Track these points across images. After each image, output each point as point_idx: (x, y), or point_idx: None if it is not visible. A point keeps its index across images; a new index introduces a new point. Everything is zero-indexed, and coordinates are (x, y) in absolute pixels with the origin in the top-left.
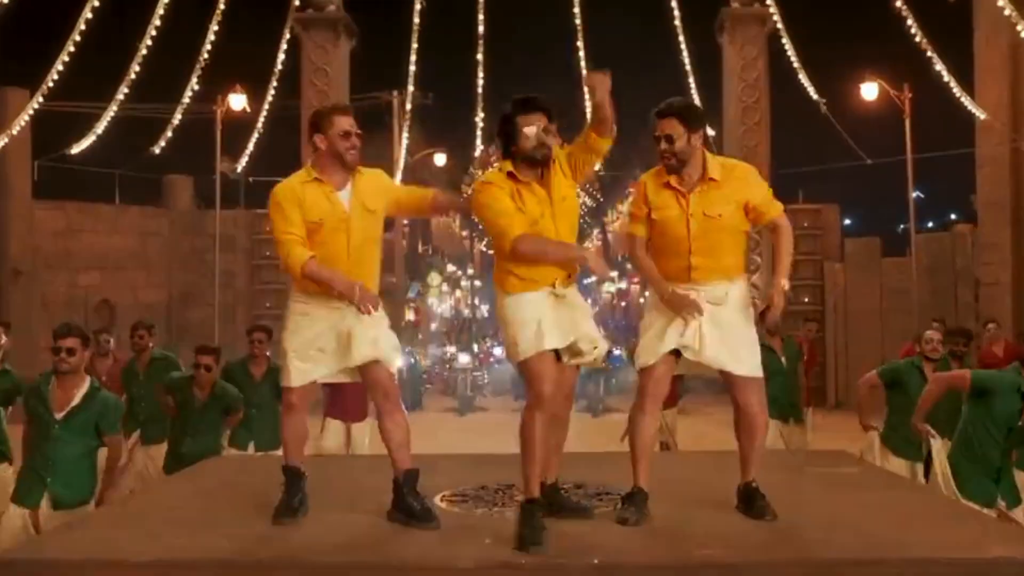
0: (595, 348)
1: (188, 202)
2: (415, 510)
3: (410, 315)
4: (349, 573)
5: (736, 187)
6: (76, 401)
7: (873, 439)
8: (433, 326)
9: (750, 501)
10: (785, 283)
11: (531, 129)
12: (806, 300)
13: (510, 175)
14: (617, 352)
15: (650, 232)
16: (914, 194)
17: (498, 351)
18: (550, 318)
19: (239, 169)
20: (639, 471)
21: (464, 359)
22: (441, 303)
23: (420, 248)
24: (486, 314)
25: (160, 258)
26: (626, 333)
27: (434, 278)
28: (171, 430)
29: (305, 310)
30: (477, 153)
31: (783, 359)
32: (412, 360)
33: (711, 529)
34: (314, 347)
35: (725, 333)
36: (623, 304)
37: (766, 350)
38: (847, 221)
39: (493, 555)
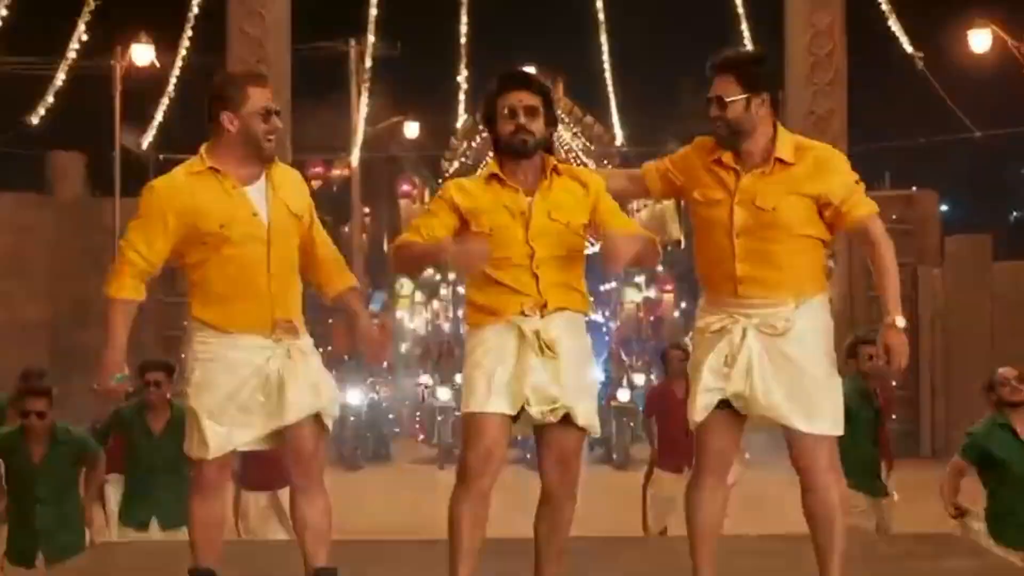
0: (551, 409)
1: (79, 187)
2: None
3: None
4: None
5: (810, 174)
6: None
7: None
8: (403, 347)
9: None
10: (900, 319)
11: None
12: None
13: (492, 178)
14: (641, 380)
15: (692, 218)
16: None
17: None
18: (509, 369)
19: (145, 144)
20: (701, 566)
21: (445, 394)
22: (414, 317)
23: (386, 245)
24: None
25: (42, 261)
26: (656, 355)
27: (404, 285)
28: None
29: (213, 353)
30: (460, 122)
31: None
32: (375, 396)
33: None
34: (234, 404)
35: (788, 373)
36: (652, 318)
37: (860, 397)
38: (945, 210)
39: None
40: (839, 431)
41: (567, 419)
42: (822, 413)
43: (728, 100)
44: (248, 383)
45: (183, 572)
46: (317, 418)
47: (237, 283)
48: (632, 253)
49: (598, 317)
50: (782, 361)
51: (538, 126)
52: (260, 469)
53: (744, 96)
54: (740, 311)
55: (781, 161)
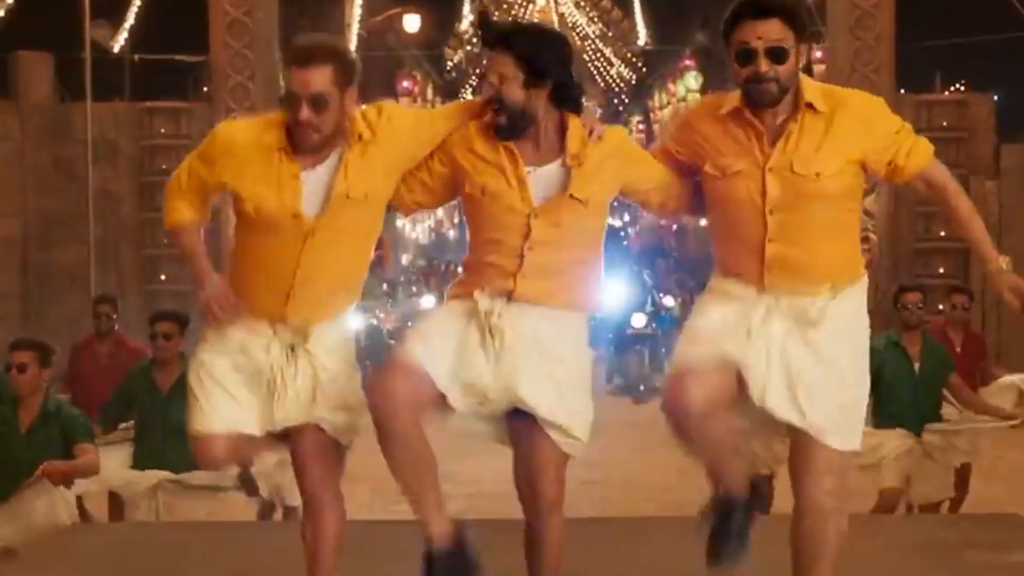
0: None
1: (47, 92)
2: None
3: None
4: None
5: (851, 128)
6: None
7: None
8: (405, 259)
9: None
10: (1003, 261)
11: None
12: (942, 234)
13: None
14: (669, 302)
15: (707, 196)
16: None
17: None
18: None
19: (118, 45)
20: (728, 475)
21: (429, 301)
22: (416, 226)
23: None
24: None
25: (10, 172)
26: (683, 273)
27: None
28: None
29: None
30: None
31: (916, 364)
32: (374, 321)
33: None
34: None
35: (814, 368)
36: (675, 227)
37: (894, 347)
38: (1000, 121)
39: None
40: (855, 446)
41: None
42: (844, 424)
43: (785, 49)
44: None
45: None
46: (319, 429)
47: (259, 272)
48: None
49: (616, 222)
50: (809, 351)
51: (511, 92)
52: None
53: (795, 45)
54: (763, 304)
55: (811, 107)
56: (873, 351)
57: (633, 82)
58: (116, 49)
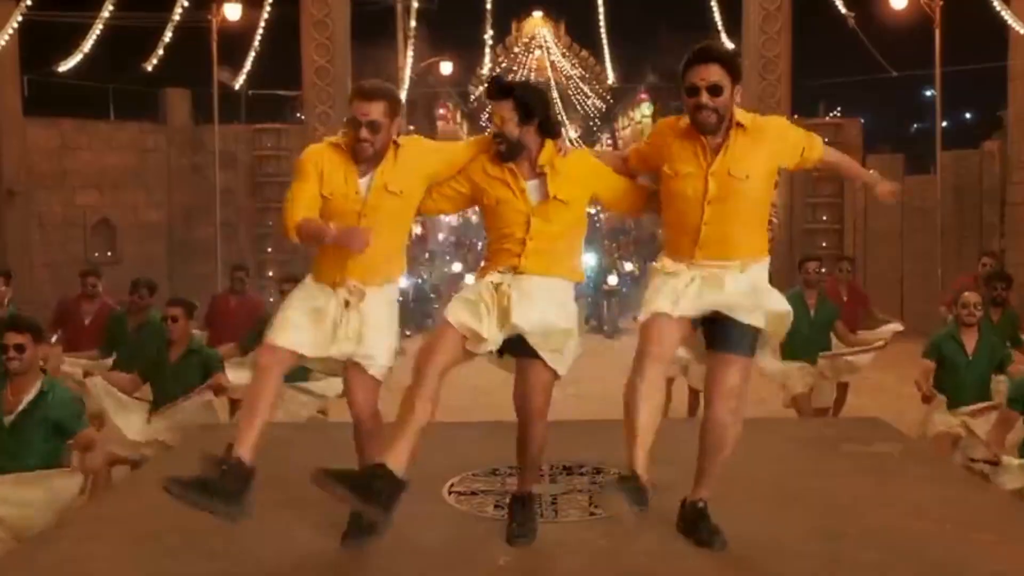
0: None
1: (186, 117)
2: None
3: (416, 228)
4: None
5: (770, 144)
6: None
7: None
8: (440, 236)
9: (694, 525)
10: (877, 175)
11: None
12: (824, 219)
13: (494, 156)
14: (629, 267)
15: (662, 191)
16: (929, 92)
17: None
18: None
19: (238, 83)
20: (635, 453)
21: (471, 279)
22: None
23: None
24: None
25: (159, 176)
26: (640, 245)
27: None
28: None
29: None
30: (485, 63)
31: (812, 312)
32: (420, 280)
33: (739, 539)
34: (308, 316)
35: (732, 293)
36: None
37: (798, 299)
38: (866, 138)
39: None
40: (749, 354)
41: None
42: (748, 337)
43: (722, 87)
44: (317, 309)
45: None
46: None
47: (327, 248)
48: None
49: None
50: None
51: (509, 129)
52: None
53: (731, 84)
54: (695, 266)
55: (740, 125)
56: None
57: (603, 110)
58: (236, 87)
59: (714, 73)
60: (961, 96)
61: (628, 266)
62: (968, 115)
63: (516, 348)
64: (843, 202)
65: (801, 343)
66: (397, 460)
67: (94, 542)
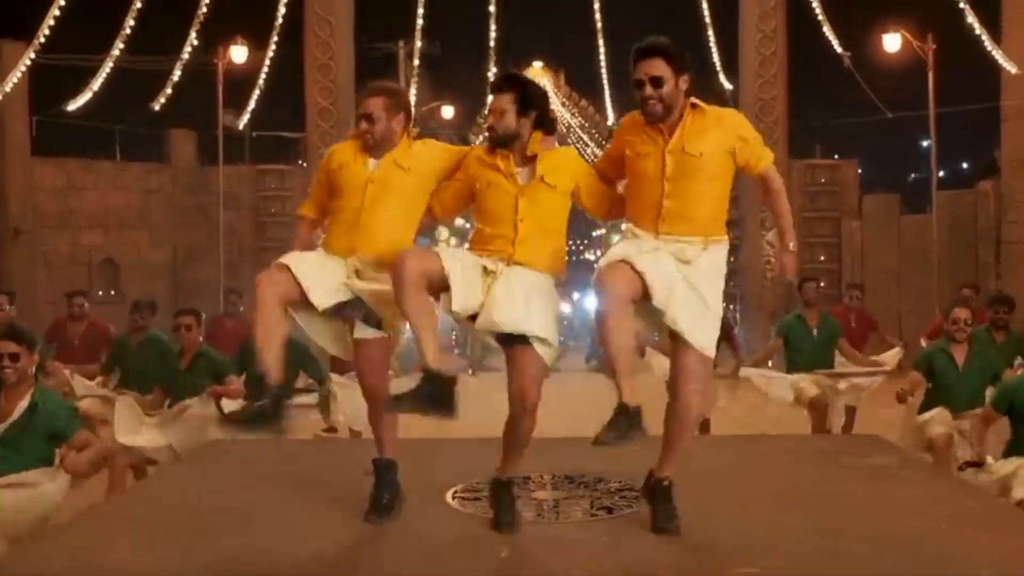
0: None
1: (191, 157)
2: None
3: None
4: None
5: (724, 129)
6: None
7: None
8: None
9: (655, 503)
10: (792, 244)
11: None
12: (822, 259)
13: (490, 149)
14: None
15: (626, 173)
16: (925, 143)
17: None
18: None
19: (242, 124)
20: (620, 383)
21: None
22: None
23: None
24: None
25: (163, 215)
26: None
27: (442, 232)
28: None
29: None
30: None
31: (815, 330)
32: None
33: (741, 535)
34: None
35: (689, 295)
36: None
37: (798, 319)
38: (862, 179)
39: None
40: (710, 353)
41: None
42: (708, 333)
43: (663, 79)
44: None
45: None
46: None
47: (340, 215)
48: None
49: (591, 256)
50: (689, 283)
51: (508, 120)
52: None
53: (673, 76)
54: (658, 246)
55: (697, 107)
56: (784, 324)
57: (599, 154)
58: (240, 127)
59: (656, 67)
60: (956, 143)
61: None
62: (965, 164)
63: (507, 337)
64: (840, 242)
65: (805, 362)
66: (433, 355)
67: (106, 537)
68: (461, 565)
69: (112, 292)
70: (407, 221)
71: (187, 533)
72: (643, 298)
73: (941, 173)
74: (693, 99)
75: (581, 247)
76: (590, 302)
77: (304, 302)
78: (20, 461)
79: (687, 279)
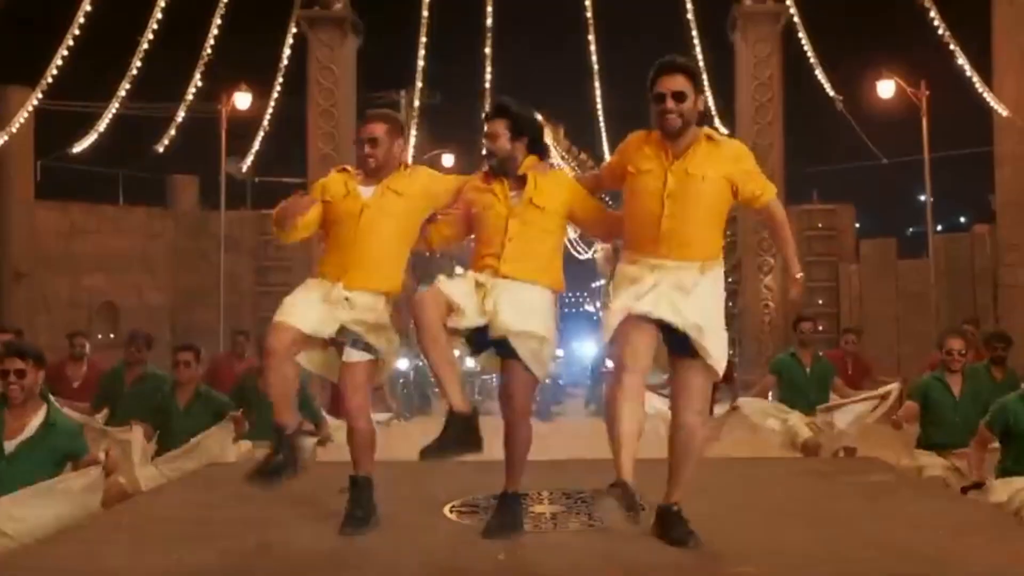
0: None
1: (193, 202)
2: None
3: None
4: None
5: (727, 159)
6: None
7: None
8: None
9: (669, 527)
10: (799, 272)
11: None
12: (820, 302)
13: (484, 175)
14: None
15: (625, 192)
16: (922, 197)
17: None
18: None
19: (244, 168)
20: (622, 461)
21: (471, 363)
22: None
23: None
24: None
25: (165, 259)
26: None
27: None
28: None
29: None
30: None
31: (807, 369)
32: (420, 363)
33: (743, 541)
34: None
35: (696, 324)
36: None
37: (792, 358)
38: (859, 224)
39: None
40: (720, 369)
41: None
42: (715, 350)
43: (686, 94)
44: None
45: None
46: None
47: (334, 241)
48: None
49: (591, 308)
50: (686, 309)
51: (502, 143)
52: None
53: (694, 93)
54: (657, 267)
55: (709, 137)
56: (778, 362)
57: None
58: (243, 172)
59: (679, 82)
60: (951, 187)
61: None
62: (961, 210)
63: (500, 348)
64: (838, 286)
65: (798, 401)
66: (458, 400)
67: (106, 543)
68: (459, 566)
69: (112, 335)
70: (400, 244)
71: (182, 540)
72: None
73: (939, 227)
74: (707, 130)
75: (580, 299)
76: (589, 349)
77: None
78: (28, 478)
79: (686, 312)
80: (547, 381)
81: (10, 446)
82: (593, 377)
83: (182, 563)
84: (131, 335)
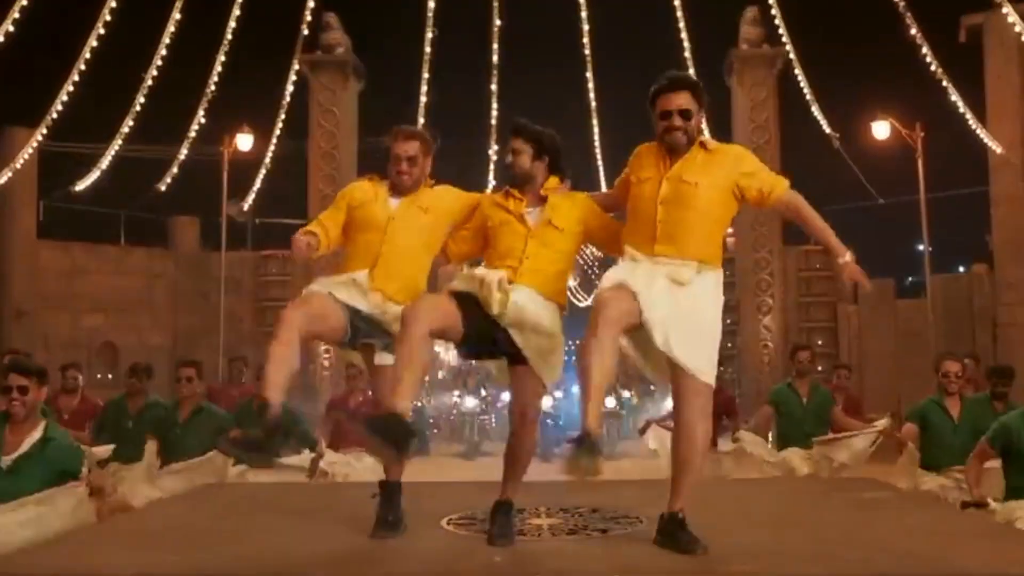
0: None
1: (194, 243)
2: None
3: None
4: None
5: (724, 164)
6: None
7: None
8: (440, 374)
9: (673, 534)
10: (845, 256)
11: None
12: (819, 343)
13: (505, 192)
14: (627, 395)
15: (628, 201)
16: (920, 247)
17: (505, 396)
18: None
19: (245, 207)
20: (589, 409)
21: (470, 403)
22: (448, 351)
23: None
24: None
25: (165, 300)
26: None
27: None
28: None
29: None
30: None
31: (804, 399)
32: (418, 404)
33: (741, 545)
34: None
35: (683, 318)
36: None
37: (789, 388)
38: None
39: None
40: (709, 379)
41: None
42: (702, 357)
43: (692, 112)
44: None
45: None
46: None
47: (360, 251)
48: None
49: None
50: (681, 305)
51: (523, 160)
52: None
53: (699, 110)
54: (656, 259)
55: (703, 144)
56: (776, 393)
57: (600, 256)
58: (243, 219)
59: (686, 100)
60: (947, 226)
61: (626, 394)
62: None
63: (507, 349)
64: (837, 326)
65: (796, 432)
66: (403, 402)
67: (101, 545)
68: (457, 569)
69: (110, 376)
70: (424, 257)
71: (181, 543)
72: (636, 327)
73: (933, 273)
74: (702, 138)
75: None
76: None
77: (331, 333)
78: (23, 493)
79: (681, 304)
80: (548, 422)
81: (8, 460)
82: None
83: (180, 564)
84: (132, 367)
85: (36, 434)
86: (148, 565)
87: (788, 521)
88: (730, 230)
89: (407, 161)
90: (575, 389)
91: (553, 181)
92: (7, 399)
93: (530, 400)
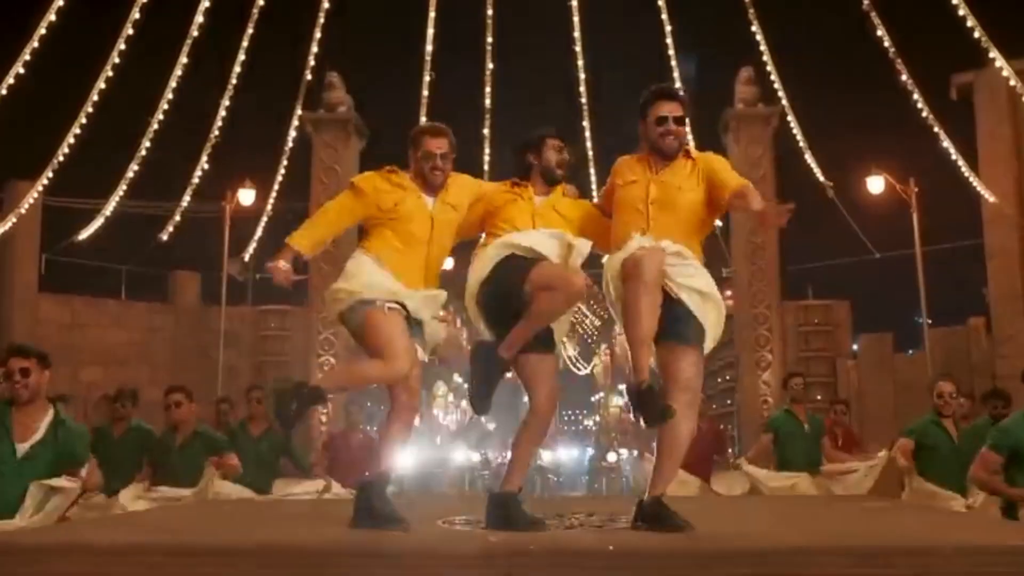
0: None
1: (194, 298)
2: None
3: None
4: (340, 559)
5: (702, 168)
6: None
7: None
8: (437, 440)
9: (657, 515)
10: (757, 201)
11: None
12: (818, 398)
13: (511, 183)
14: (624, 454)
15: (614, 204)
16: (918, 319)
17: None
18: None
19: (246, 260)
20: (643, 364)
21: (474, 458)
22: (447, 414)
23: (427, 359)
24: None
25: (164, 354)
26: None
27: (440, 387)
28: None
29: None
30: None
31: (805, 425)
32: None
33: (741, 540)
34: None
35: (698, 275)
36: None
37: (788, 414)
38: (854, 318)
39: (498, 544)
40: (701, 358)
41: None
42: (707, 320)
43: (685, 120)
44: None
45: None
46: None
47: (404, 246)
48: None
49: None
50: (693, 268)
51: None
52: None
53: (687, 119)
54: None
55: (687, 155)
56: (775, 420)
57: (600, 325)
58: (244, 277)
59: (680, 108)
60: (944, 280)
61: (624, 452)
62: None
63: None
64: (836, 381)
65: (799, 457)
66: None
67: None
68: (451, 551)
69: None
70: (447, 252)
71: (170, 530)
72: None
73: (929, 321)
74: (687, 147)
75: (579, 415)
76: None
77: None
78: (36, 477)
79: (691, 264)
80: (550, 477)
81: (24, 448)
82: (591, 468)
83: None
84: (118, 391)
85: (47, 417)
86: (130, 542)
87: (785, 519)
88: (728, 292)
89: (441, 158)
90: (577, 453)
91: (561, 187)
92: (10, 384)
93: (546, 381)
